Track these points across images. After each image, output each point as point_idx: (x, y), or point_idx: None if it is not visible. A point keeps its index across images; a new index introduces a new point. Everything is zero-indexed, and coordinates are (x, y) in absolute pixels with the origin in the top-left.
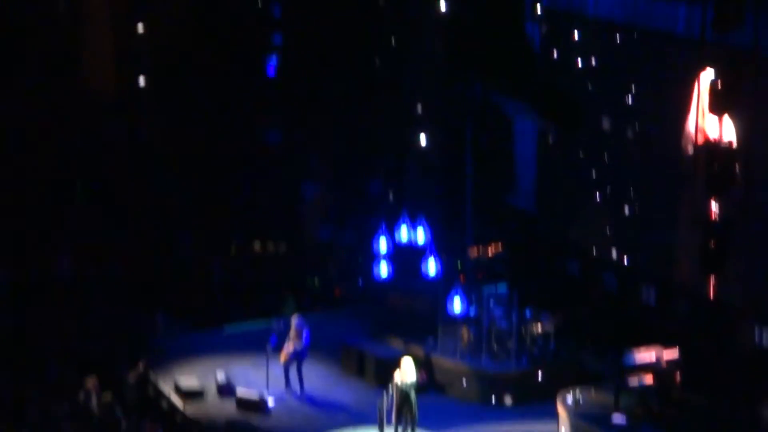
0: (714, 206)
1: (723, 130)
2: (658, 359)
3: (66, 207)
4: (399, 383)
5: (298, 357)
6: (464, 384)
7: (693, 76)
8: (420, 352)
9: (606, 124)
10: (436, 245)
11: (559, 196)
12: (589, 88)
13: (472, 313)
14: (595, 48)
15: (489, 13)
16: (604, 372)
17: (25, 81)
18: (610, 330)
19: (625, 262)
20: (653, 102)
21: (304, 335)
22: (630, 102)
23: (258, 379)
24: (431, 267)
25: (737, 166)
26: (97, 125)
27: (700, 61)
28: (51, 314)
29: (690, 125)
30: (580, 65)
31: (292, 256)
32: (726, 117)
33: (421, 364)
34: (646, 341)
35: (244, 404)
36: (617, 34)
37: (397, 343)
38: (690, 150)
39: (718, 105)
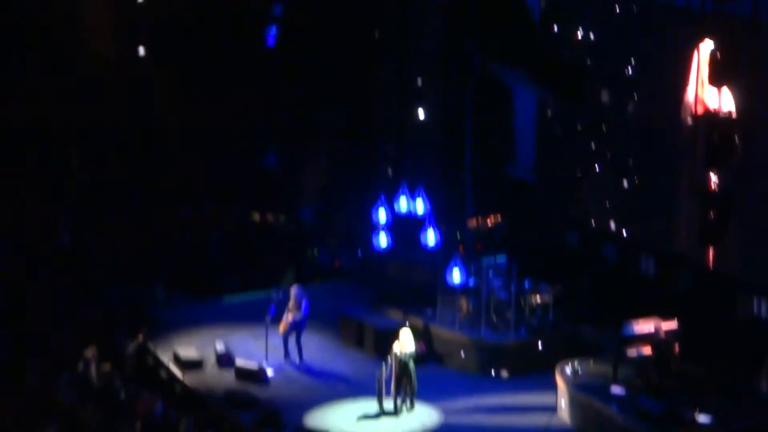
0: (713, 177)
1: (722, 100)
2: (657, 330)
3: (65, 178)
4: (398, 354)
5: (297, 327)
6: (463, 355)
7: (692, 46)
8: (419, 322)
9: (605, 95)
10: (436, 216)
11: (558, 167)
12: (589, 59)
13: (471, 283)
14: (594, 19)
15: None
16: (603, 343)
17: (24, 54)
18: (608, 301)
19: (624, 233)
20: (653, 73)
21: (303, 306)
22: (629, 73)
23: (257, 350)
24: (430, 238)
25: (737, 137)
26: (96, 96)
27: (699, 31)
28: (51, 284)
29: (689, 96)
30: (579, 37)
31: (291, 227)
32: (725, 87)
33: (419, 335)
34: (645, 312)
35: (242, 374)
36: (616, 6)
37: (396, 314)
38: (689, 121)
39: (717, 75)
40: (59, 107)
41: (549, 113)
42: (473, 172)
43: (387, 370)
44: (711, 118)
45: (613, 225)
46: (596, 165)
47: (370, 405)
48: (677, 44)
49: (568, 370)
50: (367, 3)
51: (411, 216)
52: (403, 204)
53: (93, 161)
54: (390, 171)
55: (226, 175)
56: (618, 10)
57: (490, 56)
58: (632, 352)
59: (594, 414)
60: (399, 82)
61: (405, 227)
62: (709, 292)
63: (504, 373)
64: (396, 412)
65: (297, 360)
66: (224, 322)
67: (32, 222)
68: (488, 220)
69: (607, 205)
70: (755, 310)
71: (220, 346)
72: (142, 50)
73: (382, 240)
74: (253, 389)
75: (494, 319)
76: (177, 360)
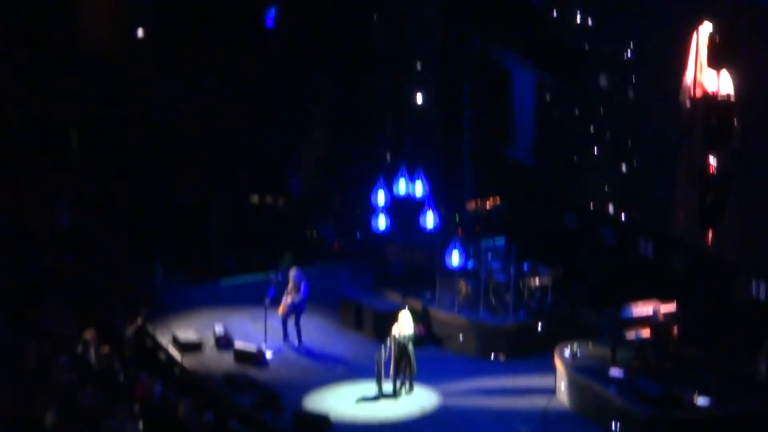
0: (712, 160)
1: (721, 83)
2: (656, 313)
3: (65, 156)
4: (397, 336)
5: (296, 310)
6: (462, 337)
7: (691, 29)
8: (418, 305)
9: (604, 78)
10: (435, 198)
11: (557, 150)
12: (587, 43)
13: (470, 266)
14: (593, 2)
15: None
16: (602, 325)
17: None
18: (607, 284)
19: (623, 216)
20: (651, 56)
21: (302, 288)
22: (628, 56)
23: (256, 332)
24: (429, 220)
25: (735, 120)
26: (95, 75)
27: (698, 14)
28: (49, 266)
29: (688, 79)
30: (578, 21)
31: (290, 209)
32: (724, 70)
33: (418, 317)
34: (644, 295)
35: (241, 357)
36: None
37: (395, 296)
38: (688, 104)
39: (716, 58)
40: (58, 87)
41: (548, 97)
42: (472, 154)
43: (386, 353)
44: (709, 100)
45: (611, 208)
46: (595, 148)
47: (369, 387)
48: (676, 27)
49: (567, 352)
50: None
51: (410, 198)
52: (402, 186)
53: (93, 142)
54: (389, 154)
55: (225, 156)
56: None
57: (489, 39)
58: (631, 335)
59: (593, 396)
60: (398, 64)
61: (404, 210)
62: (707, 274)
63: (502, 356)
64: (395, 394)
65: (296, 342)
66: (223, 304)
67: (32, 203)
68: (487, 203)
69: (606, 188)
70: (753, 292)
71: (219, 329)
72: (140, 32)
73: (381, 222)
74: (252, 371)
75: (493, 301)
76: (176, 342)
